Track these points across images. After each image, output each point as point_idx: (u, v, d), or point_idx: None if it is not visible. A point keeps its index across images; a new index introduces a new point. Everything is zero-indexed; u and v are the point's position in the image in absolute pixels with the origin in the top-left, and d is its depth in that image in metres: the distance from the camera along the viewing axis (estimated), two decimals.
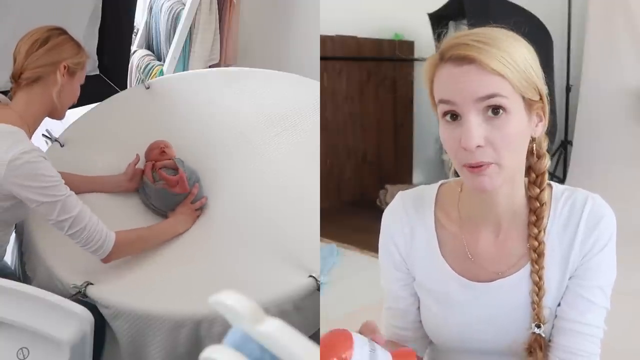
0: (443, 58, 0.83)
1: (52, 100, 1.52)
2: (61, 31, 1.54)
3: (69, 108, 1.64)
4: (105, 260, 1.50)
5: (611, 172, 2.71)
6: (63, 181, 1.44)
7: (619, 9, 2.75)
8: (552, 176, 2.92)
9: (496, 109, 0.80)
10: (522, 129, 0.83)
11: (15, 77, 1.49)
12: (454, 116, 0.82)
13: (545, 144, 0.90)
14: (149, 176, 1.83)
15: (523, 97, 0.82)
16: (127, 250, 1.56)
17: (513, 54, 0.81)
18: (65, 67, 1.51)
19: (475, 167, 0.81)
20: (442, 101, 0.83)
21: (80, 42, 1.57)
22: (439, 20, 2.65)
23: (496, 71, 0.79)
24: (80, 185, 1.72)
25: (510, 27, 0.85)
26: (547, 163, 0.90)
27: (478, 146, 0.80)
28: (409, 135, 3.52)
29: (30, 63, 1.47)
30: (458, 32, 0.85)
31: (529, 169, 0.90)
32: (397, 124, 3.47)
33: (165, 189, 1.79)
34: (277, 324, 0.51)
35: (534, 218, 0.90)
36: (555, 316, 0.91)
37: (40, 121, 1.55)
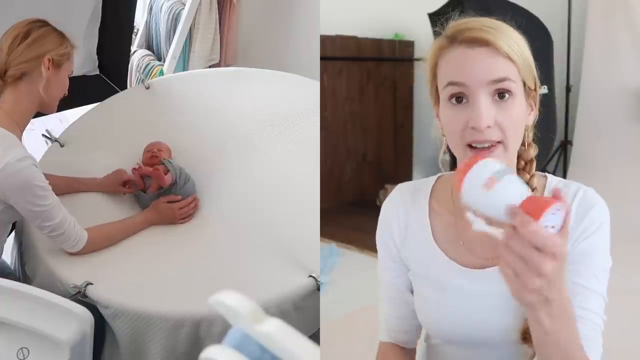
0: (454, 40, 0.84)
1: (39, 95, 1.50)
2: (42, 23, 1.51)
3: (70, 107, 1.64)
4: (74, 254, 1.57)
5: (611, 172, 2.71)
6: (50, 188, 1.46)
7: (619, 8, 2.75)
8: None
9: (504, 93, 0.82)
10: (524, 113, 0.86)
11: (1, 75, 1.47)
12: (460, 98, 0.84)
13: (531, 134, 0.92)
14: (140, 185, 1.83)
15: (524, 84, 0.85)
16: (95, 248, 1.60)
17: (518, 42, 0.84)
18: (49, 60, 1.49)
19: (482, 151, 0.83)
20: (451, 83, 0.84)
21: (64, 32, 1.54)
22: (439, 20, 2.64)
23: (508, 55, 0.82)
24: (63, 186, 1.73)
25: (508, 23, 0.87)
26: (534, 151, 0.92)
27: (487, 127, 0.82)
28: (409, 136, 3.51)
29: (13, 60, 1.45)
30: (462, 19, 0.87)
31: (517, 158, 0.92)
32: (397, 124, 3.47)
33: (156, 192, 1.80)
34: (277, 324, 0.51)
35: None
36: None
37: (30, 117, 1.54)
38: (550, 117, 2.50)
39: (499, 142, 0.83)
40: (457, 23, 0.86)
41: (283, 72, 2.27)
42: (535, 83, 0.87)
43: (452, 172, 1.00)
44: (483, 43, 0.82)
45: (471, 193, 0.70)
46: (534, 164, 0.93)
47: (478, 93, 0.82)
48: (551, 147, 2.79)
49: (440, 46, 0.86)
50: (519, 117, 0.85)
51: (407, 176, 3.48)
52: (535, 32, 0.87)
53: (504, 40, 0.82)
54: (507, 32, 0.84)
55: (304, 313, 1.54)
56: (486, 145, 0.83)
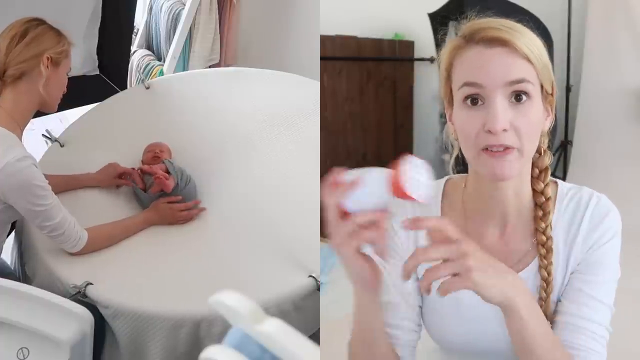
0: (471, 40, 0.82)
1: (39, 94, 1.50)
2: (39, 21, 1.51)
3: (70, 107, 1.63)
4: (74, 254, 1.57)
5: (611, 172, 2.71)
6: (50, 188, 1.46)
7: (619, 8, 2.75)
8: (552, 176, 2.91)
9: (521, 95, 0.80)
10: (540, 117, 0.84)
11: (0, 75, 1.47)
12: (475, 100, 0.81)
13: (547, 141, 0.90)
14: (139, 184, 1.83)
15: (542, 87, 0.83)
16: (95, 248, 1.60)
17: (537, 44, 0.82)
18: (48, 59, 1.48)
19: (497, 152, 0.80)
20: (467, 84, 0.82)
21: (60, 29, 1.54)
22: (439, 20, 2.65)
23: (527, 56, 0.80)
24: (61, 184, 1.72)
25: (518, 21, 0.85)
26: (549, 159, 0.90)
27: (503, 130, 0.79)
28: (409, 136, 3.51)
29: (12, 59, 1.45)
30: (479, 19, 0.85)
31: (532, 165, 0.90)
32: (397, 124, 3.47)
33: (157, 193, 1.80)
34: (277, 324, 0.51)
35: (540, 212, 0.89)
36: (555, 311, 0.90)
37: (30, 116, 1.54)
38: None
39: (514, 148, 0.80)
40: (473, 23, 0.84)
41: (283, 72, 2.27)
42: (552, 87, 0.85)
43: (461, 175, 0.97)
44: (501, 43, 0.80)
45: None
46: (549, 172, 0.90)
47: (494, 94, 0.79)
48: (551, 147, 2.79)
49: (456, 46, 0.84)
50: (536, 120, 0.82)
51: None
52: (535, 32, 0.85)
53: (522, 41, 0.80)
54: (525, 33, 0.82)
55: (304, 313, 1.54)
56: (501, 149, 0.80)
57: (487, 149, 0.81)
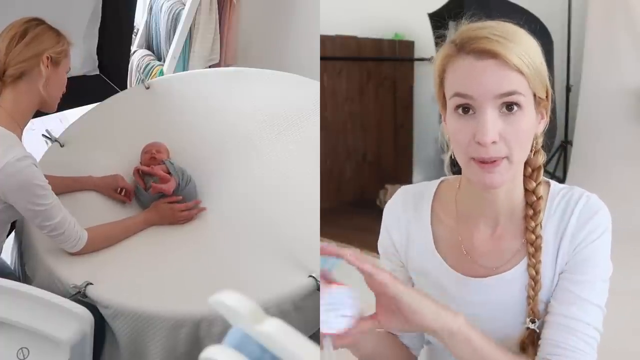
0: (462, 50, 0.82)
1: (39, 93, 1.50)
2: (39, 21, 1.51)
3: (70, 107, 1.63)
4: (74, 254, 1.56)
5: (611, 172, 2.71)
6: (50, 187, 1.46)
7: (619, 8, 2.75)
8: (552, 176, 2.92)
9: (511, 106, 0.80)
10: (532, 125, 0.84)
11: (0, 75, 1.47)
12: (466, 109, 0.82)
13: (540, 141, 0.90)
14: (141, 184, 1.83)
15: (534, 94, 0.82)
16: (95, 248, 1.60)
17: (529, 51, 0.81)
18: (48, 58, 1.48)
19: (487, 163, 0.81)
20: (458, 94, 0.82)
21: (60, 29, 1.54)
22: (439, 20, 2.65)
23: (517, 67, 0.79)
24: (61, 186, 1.72)
25: (515, 24, 0.85)
26: (542, 158, 0.90)
27: (493, 142, 0.80)
28: (409, 136, 3.51)
29: (12, 59, 1.45)
30: (472, 24, 0.85)
31: (524, 164, 0.90)
32: (397, 124, 3.47)
33: (158, 193, 1.80)
34: (277, 324, 0.51)
35: (531, 211, 0.90)
36: (546, 311, 0.90)
37: (30, 116, 1.53)
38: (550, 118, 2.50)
39: (504, 157, 0.81)
40: (466, 29, 0.84)
41: (283, 72, 2.27)
42: (547, 92, 0.85)
43: (456, 176, 0.98)
44: (492, 55, 0.79)
45: None
46: (542, 172, 0.90)
47: (485, 106, 0.80)
48: (551, 147, 2.79)
49: (448, 54, 0.84)
50: (527, 129, 0.82)
51: (407, 176, 3.48)
52: (535, 32, 0.85)
53: (514, 51, 0.79)
54: (518, 40, 0.81)
55: (304, 313, 1.54)
56: (491, 160, 0.81)
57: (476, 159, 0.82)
